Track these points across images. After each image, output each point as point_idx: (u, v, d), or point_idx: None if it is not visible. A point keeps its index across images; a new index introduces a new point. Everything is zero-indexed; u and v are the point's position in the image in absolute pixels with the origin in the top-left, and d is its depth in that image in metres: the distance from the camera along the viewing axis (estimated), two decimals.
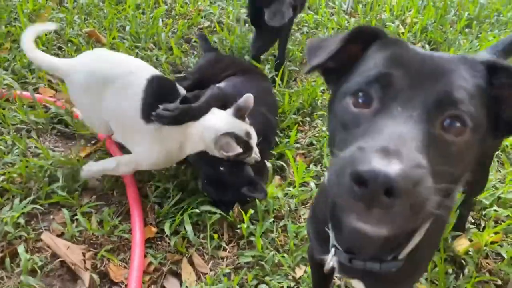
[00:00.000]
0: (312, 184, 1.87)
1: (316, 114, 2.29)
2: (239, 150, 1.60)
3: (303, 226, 1.70)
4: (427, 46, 3.01)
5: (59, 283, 1.48)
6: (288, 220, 1.73)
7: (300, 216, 1.80)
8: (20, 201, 1.65)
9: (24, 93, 2.10)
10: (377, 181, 0.49)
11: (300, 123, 2.25)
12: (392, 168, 0.49)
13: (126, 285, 1.47)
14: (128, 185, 1.72)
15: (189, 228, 1.60)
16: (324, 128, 2.19)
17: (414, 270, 0.93)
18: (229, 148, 1.60)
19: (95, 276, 1.46)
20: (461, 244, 1.67)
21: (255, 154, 1.73)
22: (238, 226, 1.67)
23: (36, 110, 2.03)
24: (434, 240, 0.97)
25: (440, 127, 0.59)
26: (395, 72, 0.61)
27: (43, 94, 2.17)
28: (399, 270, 0.84)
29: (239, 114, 1.71)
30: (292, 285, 1.53)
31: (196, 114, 1.67)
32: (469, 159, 0.64)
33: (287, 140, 2.08)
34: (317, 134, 2.17)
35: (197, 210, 1.64)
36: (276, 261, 1.59)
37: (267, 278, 1.54)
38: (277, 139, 2.09)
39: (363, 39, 0.72)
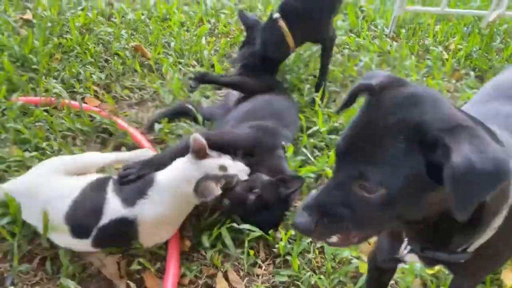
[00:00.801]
0: None
1: None
2: (218, 191, 1.52)
3: (341, 249, 1.65)
4: (471, 73, 2.94)
5: None
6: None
7: None
8: None
9: (72, 102, 2.17)
10: (297, 228, 0.84)
11: None
12: (301, 220, 0.82)
13: None
14: None
15: (229, 242, 1.58)
16: None
17: (487, 263, 1.00)
18: (208, 192, 1.52)
19: (132, 285, 1.46)
20: (509, 278, 1.58)
21: (241, 171, 1.68)
22: (276, 245, 1.65)
23: (82, 119, 2.09)
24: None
25: (358, 188, 0.78)
26: (342, 144, 0.81)
27: (88, 103, 2.25)
28: (471, 262, 0.92)
29: (200, 156, 1.61)
30: None
31: (162, 163, 1.66)
32: (399, 206, 0.77)
33: (326, 160, 2.05)
34: None
35: (235, 225, 1.62)
36: (312, 283, 1.55)
37: None
38: (312, 158, 2.06)
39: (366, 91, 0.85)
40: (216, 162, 1.62)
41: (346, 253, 1.62)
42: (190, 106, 2.17)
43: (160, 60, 2.65)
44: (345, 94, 2.58)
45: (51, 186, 1.56)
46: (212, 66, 2.70)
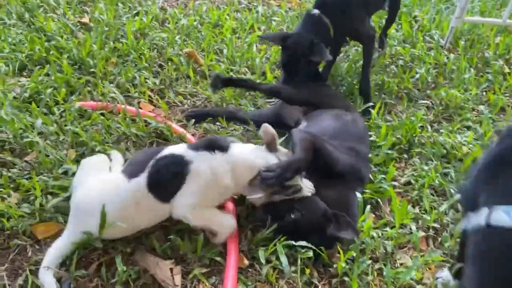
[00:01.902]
0: (413, 227, 1.74)
1: (414, 151, 2.17)
2: (261, 196, 1.52)
3: (401, 271, 1.57)
4: None
5: None
6: (384, 264, 1.61)
7: (396, 260, 1.68)
8: None
9: (128, 107, 2.19)
10: None
11: (397, 159, 2.13)
12: None
13: None
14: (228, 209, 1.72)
15: (284, 259, 1.53)
16: (425, 167, 2.06)
17: None
18: (253, 191, 1.53)
19: None
20: None
21: (306, 187, 1.62)
22: (334, 265, 1.59)
23: (138, 124, 2.10)
24: None
25: None
26: None
27: (143, 108, 2.26)
28: None
29: (270, 148, 1.62)
30: None
31: (299, 168, 1.62)
32: None
33: (382, 176, 1.97)
34: (415, 173, 2.04)
35: (292, 243, 1.57)
36: None
37: None
38: (370, 175, 1.98)
39: None
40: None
41: (407, 277, 1.53)
42: (239, 112, 2.17)
43: (213, 67, 2.64)
44: (401, 106, 2.50)
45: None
46: (263, 74, 2.67)
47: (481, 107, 2.58)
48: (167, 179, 1.53)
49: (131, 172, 1.55)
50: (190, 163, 1.52)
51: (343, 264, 1.54)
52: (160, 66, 2.63)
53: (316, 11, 2.31)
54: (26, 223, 1.60)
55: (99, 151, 1.93)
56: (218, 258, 1.57)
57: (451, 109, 2.55)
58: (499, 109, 2.60)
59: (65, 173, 1.80)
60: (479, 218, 1.05)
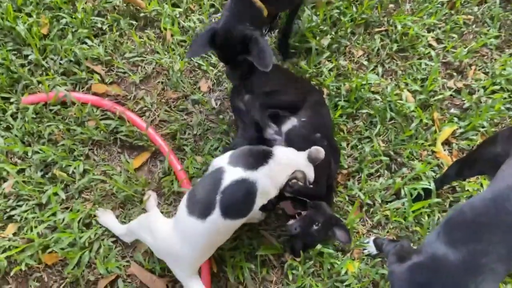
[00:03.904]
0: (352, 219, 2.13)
1: (361, 116, 2.33)
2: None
3: (337, 263, 2.04)
4: None
5: None
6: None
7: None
8: None
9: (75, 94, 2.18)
10: None
11: (344, 124, 2.30)
12: None
13: None
14: None
15: (247, 275, 1.98)
16: (370, 133, 2.27)
17: None
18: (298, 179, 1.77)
19: None
20: None
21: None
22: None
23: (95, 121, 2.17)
24: None
25: None
26: None
27: (96, 91, 2.25)
28: None
29: (313, 161, 1.84)
30: None
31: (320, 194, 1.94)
32: None
33: None
34: (358, 147, 2.26)
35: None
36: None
37: None
38: None
39: None
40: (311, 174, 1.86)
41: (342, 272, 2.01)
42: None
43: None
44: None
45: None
46: (213, 6, 2.46)
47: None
48: (239, 205, 1.70)
49: (201, 211, 1.67)
50: (255, 183, 1.68)
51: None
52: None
53: None
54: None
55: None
56: None
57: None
58: None
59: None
60: None
